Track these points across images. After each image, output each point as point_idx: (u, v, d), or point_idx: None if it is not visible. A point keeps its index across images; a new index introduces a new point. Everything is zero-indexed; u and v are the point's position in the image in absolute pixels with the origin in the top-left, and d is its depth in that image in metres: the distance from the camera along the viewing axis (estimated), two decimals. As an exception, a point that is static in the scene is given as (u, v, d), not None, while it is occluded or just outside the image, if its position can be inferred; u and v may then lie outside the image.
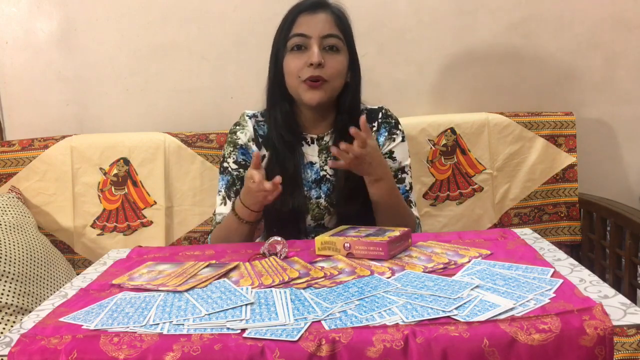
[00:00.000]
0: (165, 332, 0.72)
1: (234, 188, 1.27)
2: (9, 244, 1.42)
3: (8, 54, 1.81)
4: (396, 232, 1.01)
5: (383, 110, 1.33)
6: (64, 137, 1.72)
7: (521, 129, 1.74)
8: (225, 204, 1.26)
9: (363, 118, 1.08)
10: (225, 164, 1.28)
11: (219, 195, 1.27)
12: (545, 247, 1.00)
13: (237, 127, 1.31)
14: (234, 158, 1.28)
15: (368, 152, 1.09)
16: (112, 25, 1.80)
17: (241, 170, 1.27)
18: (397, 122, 1.33)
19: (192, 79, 1.83)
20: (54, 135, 1.75)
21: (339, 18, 1.23)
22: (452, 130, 1.73)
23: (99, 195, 1.70)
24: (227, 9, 1.79)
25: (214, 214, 1.27)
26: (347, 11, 1.27)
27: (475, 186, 1.75)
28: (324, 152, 1.29)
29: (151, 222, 1.70)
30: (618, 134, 1.88)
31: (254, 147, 1.28)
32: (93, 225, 1.70)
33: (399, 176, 1.29)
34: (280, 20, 1.25)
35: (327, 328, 0.70)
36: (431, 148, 1.73)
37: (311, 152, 1.28)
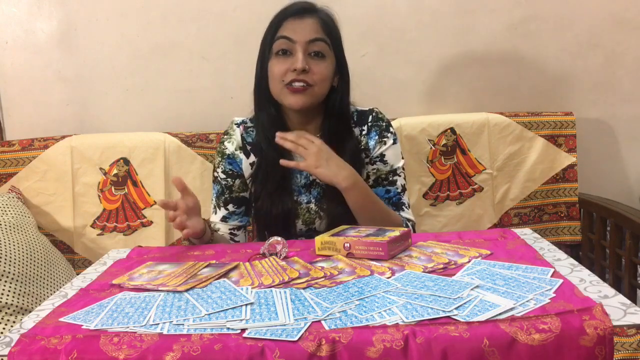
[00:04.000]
0: (165, 332, 0.72)
1: (223, 197, 1.29)
2: (9, 244, 1.42)
3: (8, 54, 1.82)
4: (396, 232, 1.01)
5: (374, 113, 1.30)
6: (64, 137, 1.72)
7: (521, 129, 1.74)
8: (215, 213, 1.31)
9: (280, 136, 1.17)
10: (215, 174, 1.31)
11: (212, 203, 1.32)
12: (545, 247, 1.00)
13: (225, 137, 1.31)
14: (222, 168, 1.29)
15: (317, 146, 1.14)
16: (112, 25, 1.80)
17: (229, 179, 1.29)
18: (389, 125, 1.30)
19: (192, 79, 1.83)
20: (54, 135, 1.75)
21: (326, 23, 1.22)
22: (452, 130, 1.73)
23: (99, 195, 1.70)
24: (227, 9, 1.79)
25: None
26: (345, 13, 1.27)
27: (475, 186, 1.75)
28: None
29: (151, 222, 1.70)
30: (618, 134, 1.88)
31: (241, 156, 1.28)
32: (93, 225, 1.70)
33: (390, 179, 1.28)
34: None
35: (327, 328, 0.70)
36: (431, 148, 1.73)
37: (300, 158, 1.25)
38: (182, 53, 1.82)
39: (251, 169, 1.28)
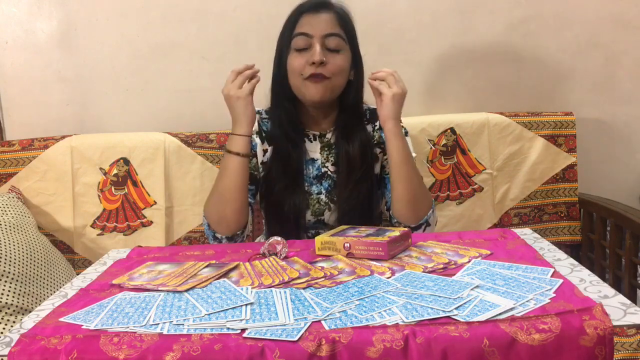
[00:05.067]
0: (165, 332, 0.72)
1: None
2: (9, 244, 1.42)
3: (8, 54, 1.81)
4: (396, 232, 1.02)
5: None
6: (64, 137, 1.72)
7: (521, 129, 1.74)
8: None
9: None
10: None
11: None
12: (545, 247, 1.00)
13: None
14: None
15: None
16: (112, 25, 1.80)
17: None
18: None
19: (192, 79, 1.83)
20: (54, 135, 1.75)
21: (342, 17, 1.25)
22: (452, 130, 1.73)
23: (99, 195, 1.70)
24: (227, 9, 1.79)
25: None
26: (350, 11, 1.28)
27: (475, 186, 1.75)
28: (326, 148, 1.30)
29: (151, 222, 1.70)
30: (618, 134, 1.88)
31: (257, 140, 1.30)
32: (93, 225, 1.70)
33: None
34: (284, 20, 1.27)
35: (327, 328, 0.70)
36: (431, 148, 1.73)
37: (313, 149, 1.30)
38: (182, 53, 1.82)
39: (263, 155, 1.30)
